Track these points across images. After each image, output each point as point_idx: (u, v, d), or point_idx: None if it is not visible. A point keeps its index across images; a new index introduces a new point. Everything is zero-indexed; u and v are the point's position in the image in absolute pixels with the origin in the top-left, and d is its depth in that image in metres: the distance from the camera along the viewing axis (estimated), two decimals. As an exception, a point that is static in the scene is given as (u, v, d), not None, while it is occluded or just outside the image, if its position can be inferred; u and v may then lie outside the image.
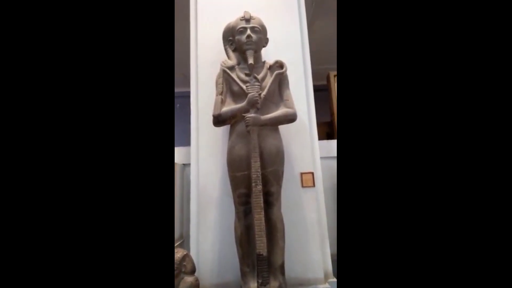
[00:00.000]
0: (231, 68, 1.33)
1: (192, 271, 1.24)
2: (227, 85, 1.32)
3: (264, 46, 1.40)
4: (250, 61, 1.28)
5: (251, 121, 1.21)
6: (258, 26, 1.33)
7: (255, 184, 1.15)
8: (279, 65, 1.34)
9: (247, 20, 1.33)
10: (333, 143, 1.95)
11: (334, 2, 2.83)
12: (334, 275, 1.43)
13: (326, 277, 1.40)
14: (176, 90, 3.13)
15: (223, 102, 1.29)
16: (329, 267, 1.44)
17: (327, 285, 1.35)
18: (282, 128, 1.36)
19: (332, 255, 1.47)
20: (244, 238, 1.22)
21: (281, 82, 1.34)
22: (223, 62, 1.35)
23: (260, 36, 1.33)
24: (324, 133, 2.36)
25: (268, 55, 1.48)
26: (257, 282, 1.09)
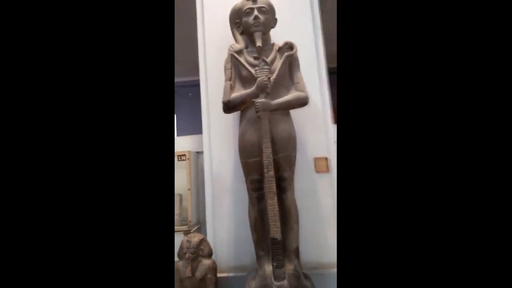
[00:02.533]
0: (239, 52, 1.29)
1: (209, 255, 1.28)
2: (235, 70, 1.29)
3: (272, 27, 1.34)
4: (258, 43, 1.23)
5: (261, 106, 1.19)
6: (265, 6, 1.27)
7: (267, 170, 1.14)
8: (289, 46, 1.29)
9: (254, 0, 1.27)
10: (349, 126, 1.88)
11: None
12: (350, 259, 1.41)
13: (342, 261, 1.39)
14: (187, 79, 3.15)
15: (232, 88, 1.27)
16: (345, 251, 1.42)
17: (343, 269, 1.34)
18: (295, 112, 1.32)
19: (348, 240, 1.46)
20: (259, 223, 1.23)
21: (291, 64, 1.29)
22: (230, 46, 1.32)
23: (268, 17, 1.28)
24: (339, 116, 2.27)
25: (277, 37, 1.42)
26: (272, 265, 1.10)
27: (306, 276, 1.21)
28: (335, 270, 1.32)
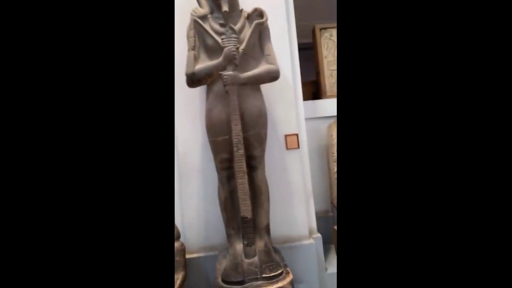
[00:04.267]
0: (203, 17, 1.15)
1: (177, 237, 1.23)
2: (199, 38, 1.16)
3: (240, -9, 1.21)
4: (225, 8, 1.10)
5: (230, 79, 1.09)
6: (232, -35, 1.13)
7: (237, 149, 1.08)
8: (259, 13, 1.18)
9: (219, -43, 1.12)
10: (319, 103, 1.88)
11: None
12: (318, 231, 1.48)
13: (310, 233, 1.45)
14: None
15: (196, 59, 1.15)
16: (314, 224, 1.48)
17: (311, 240, 1.41)
18: (265, 87, 1.25)
19: (316, 213, 1.52)
20: (229, 203, 1.20)
21: (261, 33, 1.19)
22: (193, 10, 1.17)
23: (235, -22, 1.14)
24: (310, 93, 2.27)
25: (246, 3, 1.29)
26: (243, 243, 1.10)
27: (276, 250, 1.24)
28: (303, 242, 1.38)
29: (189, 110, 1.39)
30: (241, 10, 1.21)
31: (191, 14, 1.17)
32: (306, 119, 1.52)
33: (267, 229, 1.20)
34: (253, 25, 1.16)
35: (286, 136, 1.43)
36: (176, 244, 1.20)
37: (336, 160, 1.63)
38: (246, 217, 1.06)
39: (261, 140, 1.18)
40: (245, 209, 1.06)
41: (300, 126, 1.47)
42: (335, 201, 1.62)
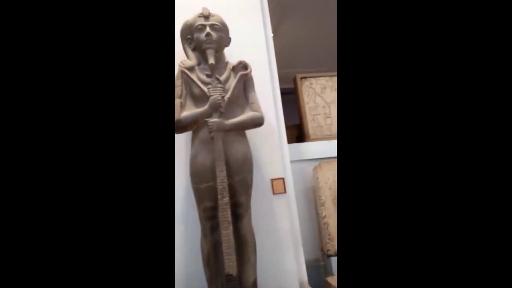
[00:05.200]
0: (191, 68, 1.21)
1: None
2: (186, 87, 1.20)
3: (226, 46, 1.31)
4: (211, 61, 1.17)
5: (215, 126, 1.10)
6: (218, 23, 1.24)
7: (221, 196, 1.04)
8: (243, 65, 1.26)
9: (206, 17, 1.23)
10: (303, 145, 1.93)
11: (300, 7, 2.86)
12: (309, 284, 1.37)
13: (301, 287, 1.34)
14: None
15: (182, 106, 1.17)
16: (304, 276, 1.38)
17: (303, 296, 1.29)
18: (249, 133, 1.27)
19: (306, 262, 1.42)
20: (212, 258, 1.10)
21: (246, 83, 1.26)
22: (181, 62, 1.23)
23: (221, 35, 1.24)
24: (294, 136, 2.34)
25: (232, 56, 1.39)
26: (228, 305, 0.98)
27: (266, 311, 1.11)
28: (294, 298, 1.27)
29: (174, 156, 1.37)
30: (227, 63, 1.29)
31: (179, 65, 1.22)
32: (292, 161, 1.52)
33: (255, 285, 1.09)
34: (238, 76, 1.22)
35: (272, 180, 1.41)
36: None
37: (323, 203, 1.60)
38: (231, 275, 0.97)
39: (247, 186, 1.15)
40: (230, 265, 0.97)
41: (286, 169, 1.47)
42: (325, 248, 1.54)
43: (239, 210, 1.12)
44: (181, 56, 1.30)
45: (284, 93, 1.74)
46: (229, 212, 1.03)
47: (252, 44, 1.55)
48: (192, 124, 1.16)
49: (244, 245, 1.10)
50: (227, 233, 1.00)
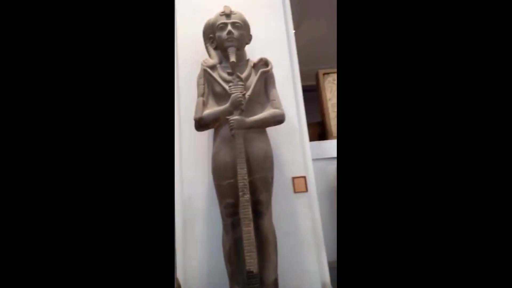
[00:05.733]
0: (213, 67, 1.23)
1: (177, 293, 1.12)
2: (208, 85, 1.22)
3: (247, 43, 1.31)
4: (232, 58, 1.18)
5: (236, 124, 1.11)
6: (239, 21, 1.24)
7: (242, 193, 1.04)
8: (264, 63, 1.26)
9: (227, 15, 1.24)
10: (325, 143, 1.87)
11: (321, 4, 2.79)
12: (332, 285, 1.33)
13: (324, 287, 1.30)
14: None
15: (205, 104, 1.19)
16: (327, 277, 1.34)
17: (325, 297, 1.26)
18: (270, 130, 1.26)
19: (329, 263, 1.38)
20: (233, 254, 1.11)
21: (267, 81, 1.25)
22: (203, 61, 1.26)
23: (242, 32, 1.24)
24: (316, 134, 2.29)
25: (253, 54, 1.39)
26: (249, 302, 0.98)
27: (287, 310, 1.10)
28: (316, 299, 1.24)
29: (197, 153, 1.40)
30: (248, 60, 1.29)
31: (202, 64, 1.25)
32: (313, 159, 1.49)
33: (275, 284, 1.08)
34: (258, 73, 1.22)
35: (293, 178, 1.39)
36: (175, 301, 1.09)
37: (347, 203, 1.55)
38: (252, 272, 0.97)
39: (268, 184, 1.15)
40: (251, 262, 0.97)
41: (308, 168, 1.44)
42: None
43: (260, 208, 1.12)
44: (204, 55, 1.33)
45: (306, 90, 1.71)
46: (250, 209, 1.03)
47: (273, 41, 1.54)
48: (214, 122, 1.18)
49: (265, 243, 1.10)
50: (248, 230, 1.00)
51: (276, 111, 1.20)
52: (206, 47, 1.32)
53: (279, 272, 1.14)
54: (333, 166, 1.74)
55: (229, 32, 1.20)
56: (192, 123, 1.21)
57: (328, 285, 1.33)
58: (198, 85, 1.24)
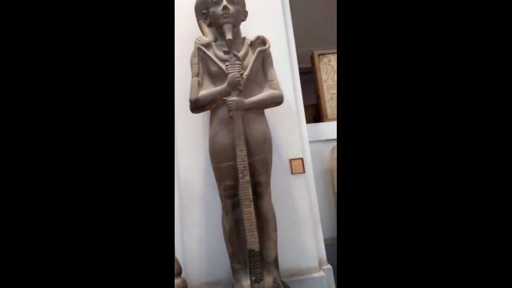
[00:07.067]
0: (207, 45, 1.17)
1: (178, 273, 1.13)
2: (203, 65, 1.17)
3: (243, 20, 1.25)
4: (229, 36, 1.12)
5: (234, 105, 1.08)
6: (235, -4, 1.17)
7: (242, 175, 1.04)
8: (261, 41, 1.21)
9: (222, -11, 1.17)
10: (321, 126, 1.88)
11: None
12: (328, 261, 1.39)
13: (320, 264, 1.36)
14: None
15: (200, 85, 1.14)
16: (323, 254, 1.39)
17: (322, 273, 1.31)
18: (267, 112, 1.24)
19: (325, 240, 1.43)
20: (234, 234, 1.12)
21: (264, 60, 1.21)
22: (197, 39, 1.19)
23: (238, 8, 1.18)
24: (311, 116, 2.28)
25: (248, 32, 1.33)
26: (250, 279, 1.01)
27: (285, 286, 1.14)
28: (313, 275, 1.28)
29: (192, 136, 1.37)
30: (244, 38, 1.24)
31: (195, 42, 1.19)
32: (310, 142, 1.49)
33: (276, 262, 1.11)
34: (256, 52, 1.17)
35: (291, 160, 1.39)
36: (177, 281, 1.10)
37: (342, 184, 1.58)
38: (253, 250, 0.99)
39: (267, 165, 1.15)
40: (252, 241, 0.99)
41: (305, 150, 1.44)
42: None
43: (260, 189, 1.13)
44: (197, 33, 1.26)
45: (301, 72, 1.67)
46: (250, 190, 1.03)
47: (269, 18, 1.47)
48: (211, 103, 1.14)
49: (265, 223, 1.12)
50: (248, 210, 1.01)
51: (275, 91, 1.18)
52: (199, 24, 1.25)
53: (278, 250, 1.17)
54: (328, 148, 1.75)
55: (225, 8, 1.13)
56: (187, 104, 1.17)
57: (324, 261, 1.38)
58: (192, 64, 1.19)
